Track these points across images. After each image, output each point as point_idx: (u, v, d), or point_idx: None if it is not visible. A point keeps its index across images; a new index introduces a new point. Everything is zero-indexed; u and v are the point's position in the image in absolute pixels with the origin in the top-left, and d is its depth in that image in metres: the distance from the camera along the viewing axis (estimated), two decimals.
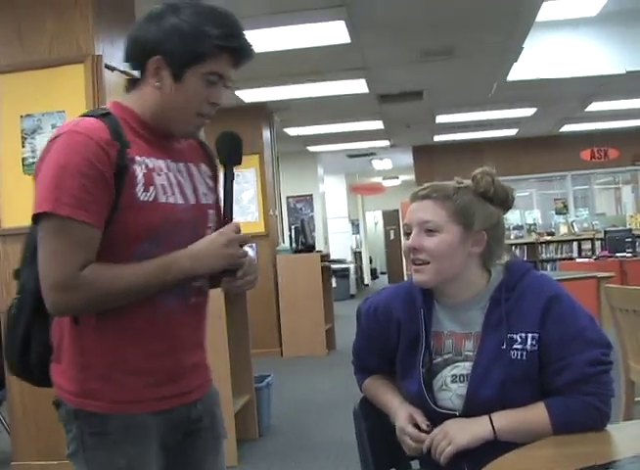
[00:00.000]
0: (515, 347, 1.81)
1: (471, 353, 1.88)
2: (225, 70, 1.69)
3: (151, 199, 1.64)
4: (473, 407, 1.83)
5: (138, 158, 1.65)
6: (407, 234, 1.92)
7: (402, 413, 1.93)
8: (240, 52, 1.70)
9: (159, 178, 1.68)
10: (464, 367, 1.88)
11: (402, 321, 1.98)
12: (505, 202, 1.95)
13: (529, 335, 1.80)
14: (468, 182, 1.95)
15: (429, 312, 1.95)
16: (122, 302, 1.63)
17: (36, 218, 1.58)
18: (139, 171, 1.64)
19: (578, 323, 1.81)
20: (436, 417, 1.88)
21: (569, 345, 1.78)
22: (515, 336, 1.81)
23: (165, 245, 1.65)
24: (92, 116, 1.65)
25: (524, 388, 1.81)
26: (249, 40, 1.71)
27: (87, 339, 1.65)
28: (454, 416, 1.85)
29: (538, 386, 1.82)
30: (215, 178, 1.91)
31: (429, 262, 1.87)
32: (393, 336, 1.99)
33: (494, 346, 1.83)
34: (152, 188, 1.65)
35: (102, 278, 1.59)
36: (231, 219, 1.73)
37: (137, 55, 1.70)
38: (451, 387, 1.89)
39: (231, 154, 1.80)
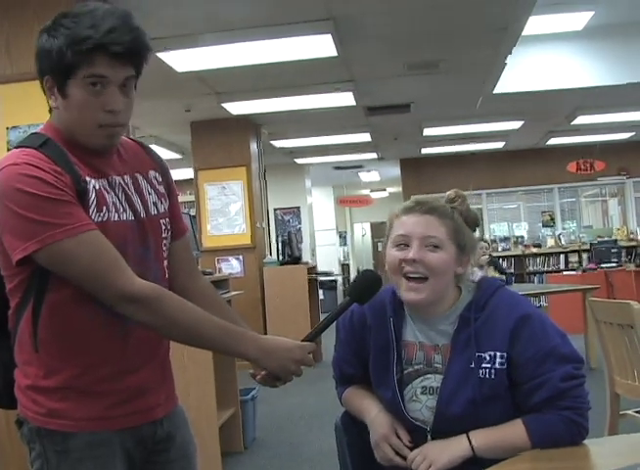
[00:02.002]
0: (483, 365, 1.82)
1: (440, 366, 1.89)
2: (103, 70, 1.57)
3: (104, 219, 1.61)
4: (443, 424, 1.84)
5: (88, 178, 1.61)
6: (401, 245, 1.92)
7: (384, 421, 1.93)
8: (109, 47, 1.54)
9: (108, 196, 1.64)
10: (434, 379, 1.90)
11: (372, 326, 2.00)
12: (475, 224, 2.01)
13: (498, 354, 1.81)
14: (440, 197, 1.98)
15: (398, 322, 1.96)
16: (182, 336, 1.66)
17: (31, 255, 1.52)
18: (92, 193, 1.60)
19: (550, 341, 1.81)
20: (409, 426, 1.89)
21: (542, 363, 1.78)
22: (483, 354, 1.82)
23: None
24: (29, 146, 1.59)
25: (494, 406, 1.81)
26: (125, 33, 1.56)
27: (50, 361, 1.62)
28: (425, 430, 1.87)
29: (509, 403, 1.83)
30: (168, 184, 1.85)
31: (426, 278, 1.87)
32: (368, 341, 2.01)
33: (463, 364, 1.84)
34: (104, 208, 1.62)
35: (173, 301, 1.62)
36: (314, 340, 1.76)
37: (40, 77, 1.66)
38: (421, 398, 1.90)
39: (362, 291, 1.82)
